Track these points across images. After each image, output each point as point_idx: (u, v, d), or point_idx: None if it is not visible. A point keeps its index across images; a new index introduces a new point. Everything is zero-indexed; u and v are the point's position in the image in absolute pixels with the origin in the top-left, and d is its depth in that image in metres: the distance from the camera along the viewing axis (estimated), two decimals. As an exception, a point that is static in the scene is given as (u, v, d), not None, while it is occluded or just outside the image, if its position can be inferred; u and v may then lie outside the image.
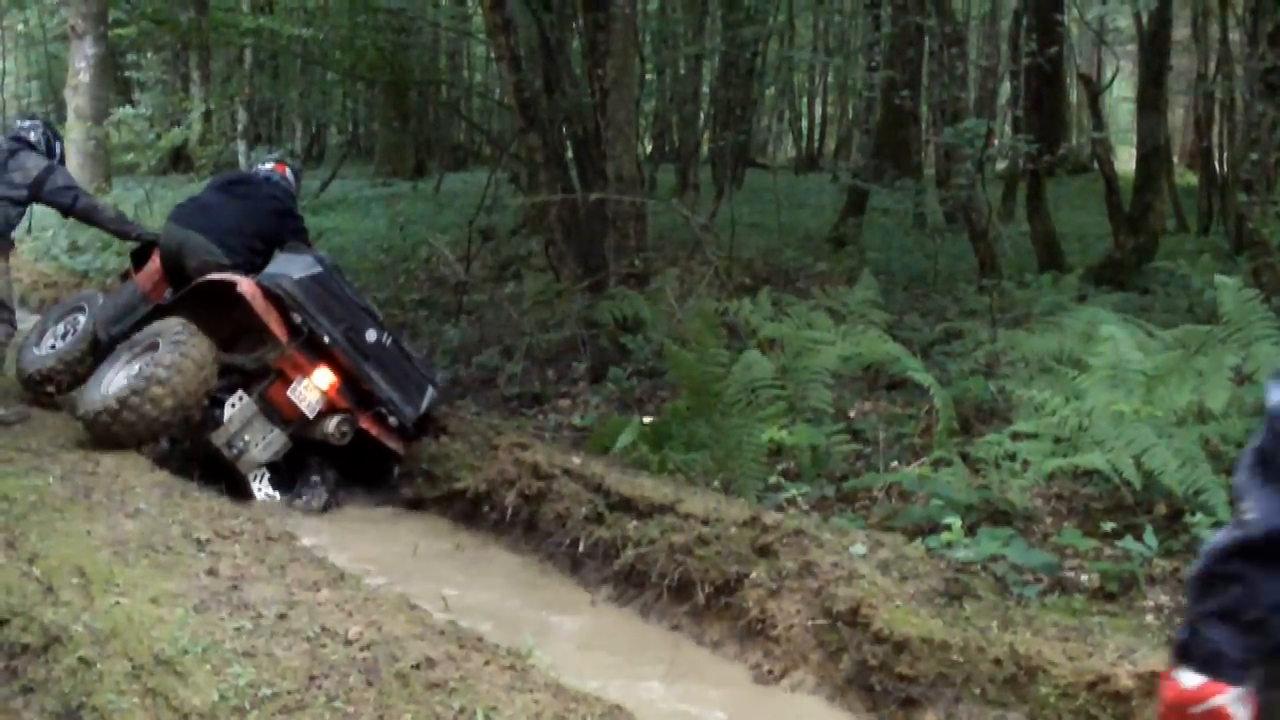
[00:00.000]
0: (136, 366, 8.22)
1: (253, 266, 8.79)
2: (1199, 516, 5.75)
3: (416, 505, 8.32)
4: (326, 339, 8.31)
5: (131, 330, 8.74)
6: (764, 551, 6.03)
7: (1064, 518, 6.50)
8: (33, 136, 9.47)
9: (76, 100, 21.78)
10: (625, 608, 6.53)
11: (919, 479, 6.88)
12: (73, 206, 9.45)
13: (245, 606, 5.44)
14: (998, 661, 4.96)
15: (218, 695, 4.55)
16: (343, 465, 8.83)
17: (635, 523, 6.78)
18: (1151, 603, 5.55)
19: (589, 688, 4.89)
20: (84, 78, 21.63)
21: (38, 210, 10.46)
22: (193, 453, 8.65)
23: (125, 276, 10.06)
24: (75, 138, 21.56)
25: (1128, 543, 5.83)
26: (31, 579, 5.86)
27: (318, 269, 8.57)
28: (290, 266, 8.55)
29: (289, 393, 8.31)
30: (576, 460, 7.80)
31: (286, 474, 8.68)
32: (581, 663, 5.84)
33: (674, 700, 5.45)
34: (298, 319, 8.30)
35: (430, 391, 8.88)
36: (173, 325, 8.23)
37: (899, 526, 6.53)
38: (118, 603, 5.44)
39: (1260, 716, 2.20)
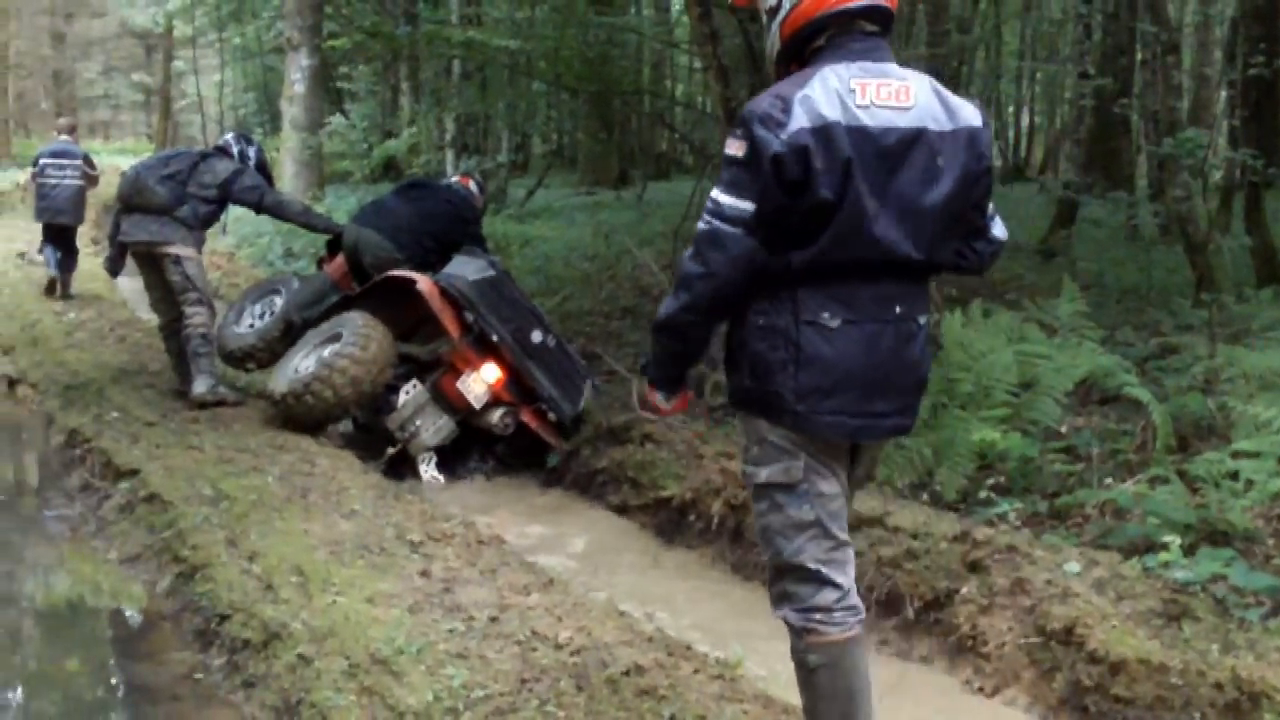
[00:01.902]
0: (322, 353, 8.93)
1: (424, 264, 9.46)
2: None
3: (622, 511, 8.36)
4: (495, 337, 8.87)
5: (321, 317, 9.49)
6: (975, 567, 5.94)
7: (1288, 540, 6.29)
8: (231, 147, 10.16)
9: (291, 111, 22.37)
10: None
11: (1135, 497, 6.71)
12: (260, 203, 10.00)
13: (458, 609, 5.53)
14: (1219, 686, 4.82)
15: (432, 696, 4.64)
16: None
17: (843, 535, 6.72)
18: (1383, 630, 5.35)
19: (798, 700, 4.86)
20: (299, 89, 22.21)
21: (253, 218, 10.88)
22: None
23: (320, 264, 10.61)
24: (290, 147, 22.18)
25: (1357, 567, 5.64)
26: (252, 576, 6.03)
27: (491, 272, 9.21)
28: (466, 269, 9.16)
29: (458, 384, 8.93)
30: (783, 471, 7.76)
31: (451, 459, 9.33)
32: (789, 675, 5.80)
33: (885, 713, 5.38)
34: (469, 317, 8.89)
35: (587, 392, 9.45)
36: (356, 317, 8.96)
37: (1114, 545, 6.37)
38: (335, 601, 5.57)
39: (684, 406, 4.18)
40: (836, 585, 3.86)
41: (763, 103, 3.64)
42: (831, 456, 3.85)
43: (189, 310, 9.68)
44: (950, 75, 17.82)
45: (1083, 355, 7.89)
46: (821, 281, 3.65)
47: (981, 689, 5.55)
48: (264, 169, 10.16)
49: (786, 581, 3.91)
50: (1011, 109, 33.47)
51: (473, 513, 7.81)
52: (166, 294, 9.85)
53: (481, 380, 8.90)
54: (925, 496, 7.54)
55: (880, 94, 3.62)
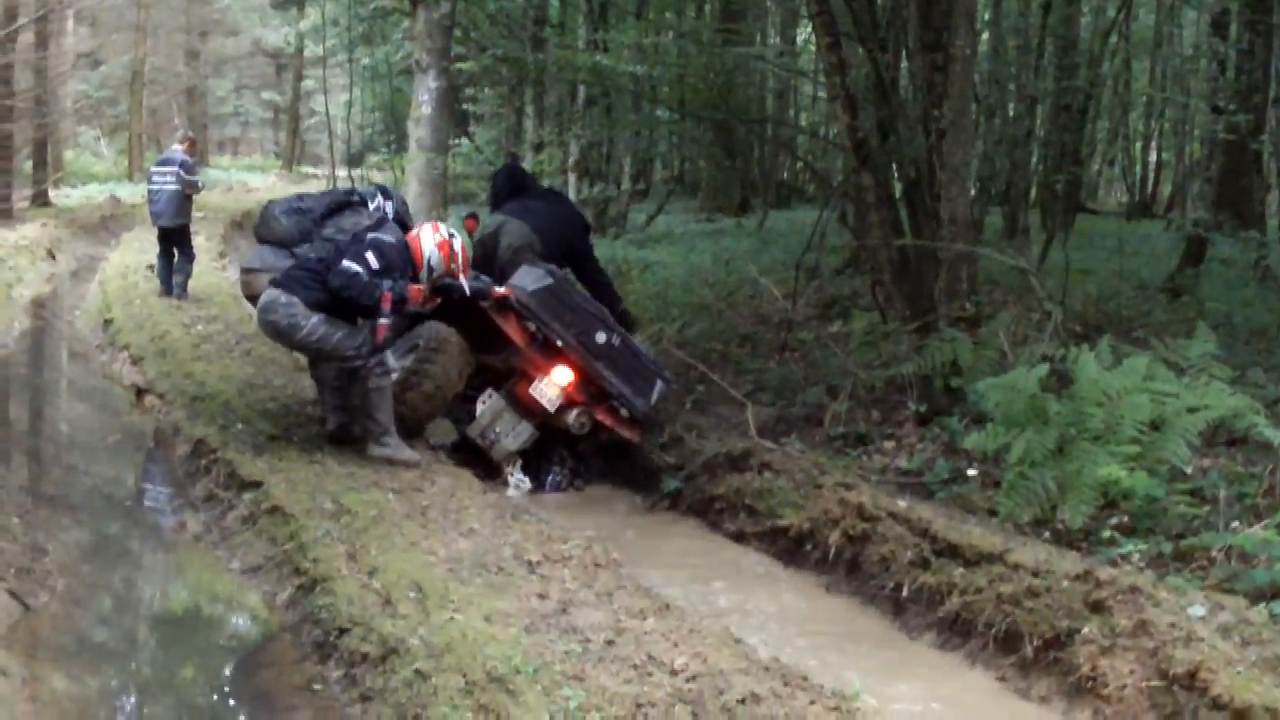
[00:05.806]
0: (404, 363, 9.35)
1: (553, 262, 9.94)
2: None
3: (739, 539, 8.35)
4: (559, 342, 9.30)
5: (414, 323, 9.78)
6: (1097, 607, 5.85)
7: None
8: (368, 200, 10.02)
9: (418, 132, 22.49)
10: (948, 655, 6.41)
11: (1262, 541, 6.58)
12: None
13: (574, 630, 5.55)
14: (1348, 737, 4.72)
15: (548, 716, 4.65)
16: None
17: (962, 570, 6.65)
18: None
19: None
20: (426, 110, 22.32)
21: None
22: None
23: None
24: (416, 166, 22.34)
25: None
26: (371, 591, 6.09)
27: (549, 281, 9.54)
28: (526, 279, 9.55)
29: (531, 389, 9.35)
30: (902, 503, 7.71)
31: (534, 463, 9.73)
32: (906, 709, 5.76)
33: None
34: (531, 325, 9.29)
35: (659, 385, 9.76)
36: (434, 329, 9.39)
37: (1240, 590, 6.25)
38: (452, 619, 5.61)
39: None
40: None
41: None
42: None
43: None
44: (1079, 109, 17.55)
45: (1212, 396, 7.73)
46: None
47: (1101, 731, 5.47)
48: (402, 222, 10.06)
49: None
50: (1139, 145, 32.94)
51: (587, 535, 7.80)
52: None
53: (554, 384, 9.32)
54: (1047, 534, 7.45)
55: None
